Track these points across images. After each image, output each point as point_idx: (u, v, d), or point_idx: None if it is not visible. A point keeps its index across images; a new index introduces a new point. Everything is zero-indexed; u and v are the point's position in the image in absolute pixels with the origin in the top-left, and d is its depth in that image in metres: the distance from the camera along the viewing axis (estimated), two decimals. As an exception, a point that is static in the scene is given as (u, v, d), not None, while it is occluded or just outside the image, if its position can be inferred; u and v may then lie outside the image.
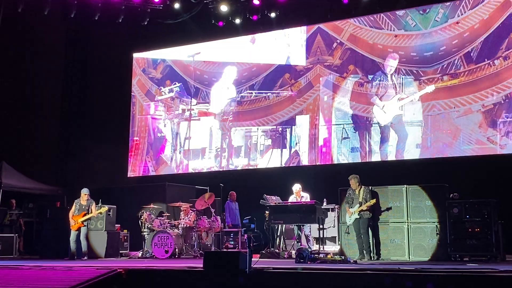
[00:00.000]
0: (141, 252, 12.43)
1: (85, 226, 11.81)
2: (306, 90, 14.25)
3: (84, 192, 11.97)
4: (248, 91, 14.98)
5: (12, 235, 14.08)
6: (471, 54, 12.41)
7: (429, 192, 10.42)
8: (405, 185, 10.58)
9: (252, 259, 7.09)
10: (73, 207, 11.95)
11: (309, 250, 9.76)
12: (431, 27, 12.95)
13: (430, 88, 12.72)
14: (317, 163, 13.91)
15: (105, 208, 12.04)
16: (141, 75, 16.67)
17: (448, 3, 12.84)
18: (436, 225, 10.16)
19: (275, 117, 14.54)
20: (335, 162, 13.68)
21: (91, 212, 11.85)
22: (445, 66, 12.68)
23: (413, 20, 13.18)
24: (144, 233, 12.42)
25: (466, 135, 12.27)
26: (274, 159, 14.44)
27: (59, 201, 15.45)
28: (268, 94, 14.73)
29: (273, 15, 14.41)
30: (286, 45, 14.72)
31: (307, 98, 14.20)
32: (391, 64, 13.27)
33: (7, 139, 16.44)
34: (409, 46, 13.16)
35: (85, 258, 11.60)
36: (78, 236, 11.80)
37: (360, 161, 13.37)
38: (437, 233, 10.14)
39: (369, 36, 13.68)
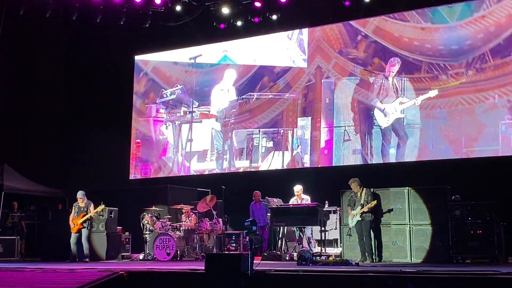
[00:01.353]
0: (143, 255, 12.43)
1: (85, 228, 11.80)
2: (306, 86, 14.31)
3: (79, 195, 11.96)
4: (250, 93, 14.99)
5: (14, 237, 14.09)
6: (497, 49, 12.24)
7: (431, 194, 10.42)
8: (407, 187, 10.58)
9: (254, 262, 7.09)
10: (73, 211, 11.99)
11: (311, 252, 9.75)
12: (456, 20, 12.78)
13: (433, 92, 12.69)
14: (319, 165, 13.91)
15: (101, 207, 11.97)
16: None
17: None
18: (432, 228, 10.21)
19: (277, 118, 14.57)
20: (337, 164, 13.67)
21: (90, 213, 11.85)
22: (470, 60, 12.52)
23: (440, 13, 13.00)
24: (146, 235, 12.41)
25: (492, 131, 12.07)
26: (275, 161, 14.44)
27: (61, 203, 15.47)
28: (270, 96, 14.73)
29: (274, 17, 14.43)
30: (288, 45, 14.77)
31: (300, 84, 14.27)
32: (392, 70, 13.27)
33: (9, 141, 16.46)
34: (436, 39, 12.96)
35: (87, 260, 11.60)
36: (78, 238, 11.81)
37: (361, 163, 13.37)
38: (432, 236, 10.17)
39: (395, 29, 13.49)
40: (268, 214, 11.55)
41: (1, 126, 16.28)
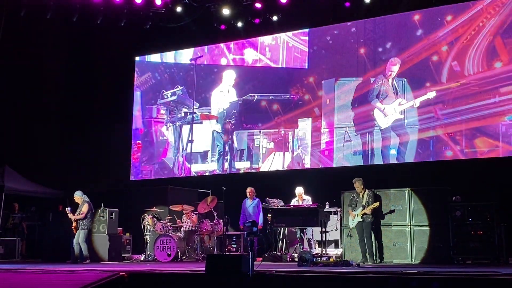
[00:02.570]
0: (144, 256, 12.43)
1: (82, 229, 11.76)
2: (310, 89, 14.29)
3: (74, 195, 11.97)
4: (250, 94, 14.99)
5: (15, 238, 14.11)
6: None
7: (431, 195, 10.43)
8: (407, 188, 10.58)
9: (255, 263, 7.09)
10: None
11: (312, 253, 9.76)
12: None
13: (431, 94, 12.68)
14: (320, 166, 13.91)
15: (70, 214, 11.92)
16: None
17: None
18: (433, 229, 10.21)
19: (277, 119, 14.58)
20: (337, 165, 13.66)
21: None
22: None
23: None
24: (147, 237, 12.42)
25: (492, 131, 12.00)
26: (276, 162, 14.44)
27: (61, 204, 15.46)
28: (271, 97, 14.73)
29: (275, 18, 14.43)
30: (288, 46, 14.77)
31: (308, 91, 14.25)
32: (393, 69, 13.25)
33: (10, 142, 16.46)
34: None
35: (88, 261, 11.60)
36: (78, 238, 11.83)
37: (362, 164, 13.36)
38: (433, 237, 10.17)
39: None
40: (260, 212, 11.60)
41: (2, 128, 16.29)
